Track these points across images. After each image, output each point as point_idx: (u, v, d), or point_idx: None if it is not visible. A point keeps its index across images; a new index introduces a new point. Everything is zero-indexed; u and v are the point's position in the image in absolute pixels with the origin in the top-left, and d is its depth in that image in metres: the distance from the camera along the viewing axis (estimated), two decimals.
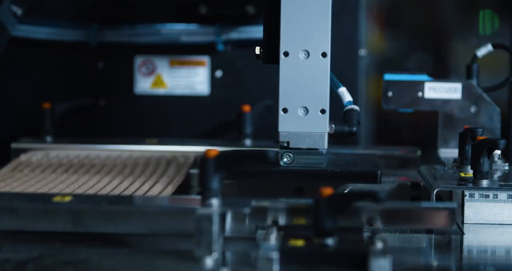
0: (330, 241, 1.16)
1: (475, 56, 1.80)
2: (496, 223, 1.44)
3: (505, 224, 1.44)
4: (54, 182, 1.62)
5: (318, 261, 1.15)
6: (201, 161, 1.21)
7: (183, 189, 1.61)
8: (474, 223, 1.44)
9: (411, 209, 1.27)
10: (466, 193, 1.45)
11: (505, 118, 1.98)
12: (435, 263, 1.26)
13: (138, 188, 1.57)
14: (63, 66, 2.13)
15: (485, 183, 1.45)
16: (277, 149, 1.49)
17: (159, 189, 1.56)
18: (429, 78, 1.79)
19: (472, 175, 1.47)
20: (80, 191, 1.54)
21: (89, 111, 2.12)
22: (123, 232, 1.26)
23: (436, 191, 1.44)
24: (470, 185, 1.45)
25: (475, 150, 1.45)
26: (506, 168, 1.63)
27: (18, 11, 1.99)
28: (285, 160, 1.49)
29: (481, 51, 1.80)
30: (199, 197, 1.25)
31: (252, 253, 1.17)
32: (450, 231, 1.36)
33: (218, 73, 2.13)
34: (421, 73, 1.81)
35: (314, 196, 1.17)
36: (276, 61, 1.48)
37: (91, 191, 1.54)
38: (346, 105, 1.55)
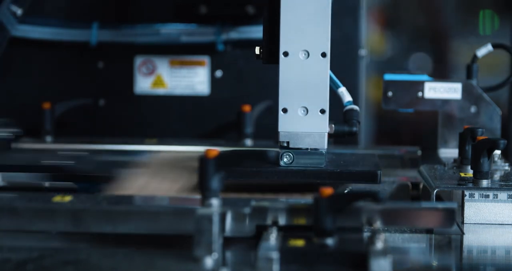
0: (330, 241, 1.17)
1: (475, 56, 1.80)
2: (496, 223, 1.44)
3: (505, 224, 1.44)
4: None
5: (318, 261, 1.15)
6: (201, 161, 1.21)
7: None
8: (474, 223, 1.44)
9: (411, 209, 1.27)
10: (466, 193, 1.45)
11: (505, 118, 1.98)
12: (435, 263, 1.26)
13: None
14: (63, 66, 2.13)
15: (485, 183, 1.45)
16: (277, 149, 1.49)
17: None
18: (429, 78, 1.79)
19: (472, 175, 1.47)
20: None
21: (89, 111, 2.12)
22: (123, 232, 1.26)
23: (436, 191, 1.44)
24: (470, 185, 1.45)
25: (475, 150, 1.45)
26: (506, 168, 1.62)
27: (18, 11, 2.00)
28: (285, 160, 1.49)
29: (481, 51, 1.80)
30: (199, 197, 1.25)
31: (252, 253, 1.17)
32: (450, 231, 1.36)
33: (218, 73, 2.13)
34: (421, 73, 1.81)
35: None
36: (276, 61, 1.48)
37: None
38: (346, 105, 1.54)
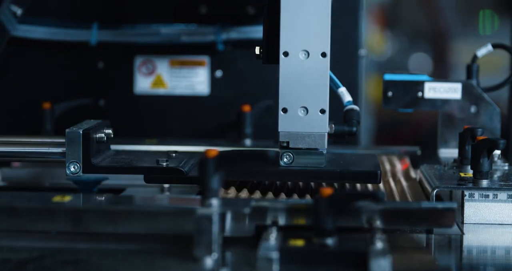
0: (330, 241, 1.17)
1: (475, 56, 1.80)
2: (496, 223, 1.44)
3: (505, 224, 1.44)
4: None
5: (318, 261, 1.15)
6: (201, 161, 1.21)
7: None
8: (474, 223, 1.44)
9: (411, 209, 1.27)
10: (466, 193, 1.45)
11: (505, 118, 1.98)
12: (435, 263, 1.26)
13: None
14: (63, 66, 2.13)
15: (485, 183, 1.45)
16: (277, 149, 1.49)
17: None
18: (429, 78, 1.79)
19: (472, 175, 1.47)
20: None
21: (89, 111, 2.12)
22: (123, 232, 1.26)
23: (436, 191, 1.44)
24: (470, 185, 1.45)
25: (475, 150, 1.45)
26: (506, 168, 1.63)
27: (18, 11, 1.99)
28: (285, 160, 1.49)
29: (481, 51, 1.80)
30: (199, 197, 1.25)
31: (252, 253, 1.17)
32: (450, 231, 1.36)
33: (218, 73, 2.12)
34: (421, 73, 1.81)
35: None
36: (276, 61, 1.48)
37: None
38: (346, 105, 1.55)
